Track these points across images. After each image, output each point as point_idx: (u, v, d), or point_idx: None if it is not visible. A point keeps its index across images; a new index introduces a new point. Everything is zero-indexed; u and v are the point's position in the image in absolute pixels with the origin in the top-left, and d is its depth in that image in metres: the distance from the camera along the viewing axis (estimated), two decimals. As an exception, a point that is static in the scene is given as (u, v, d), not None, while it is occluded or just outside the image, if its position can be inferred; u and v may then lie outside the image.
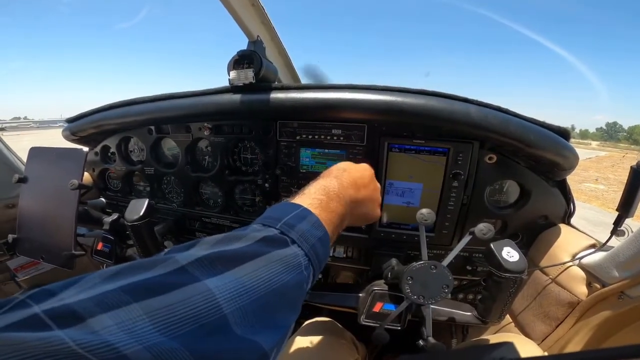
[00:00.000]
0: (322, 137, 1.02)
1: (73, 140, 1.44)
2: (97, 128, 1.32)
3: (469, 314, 0.82)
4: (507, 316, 1.02)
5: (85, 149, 1.18)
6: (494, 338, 0.96)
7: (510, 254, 0.69)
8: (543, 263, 0.90)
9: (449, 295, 0.70)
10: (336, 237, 0.57)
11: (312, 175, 1.05)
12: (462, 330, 1.33)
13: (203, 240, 0.41)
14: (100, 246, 1.22)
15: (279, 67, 1.42)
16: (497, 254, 0.70)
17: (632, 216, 0.74)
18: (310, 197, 0.56)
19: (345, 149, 1.02)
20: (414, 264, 0.70)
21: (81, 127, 1.34)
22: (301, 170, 1.09)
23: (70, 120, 1.39)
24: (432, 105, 0.83)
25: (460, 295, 1.09)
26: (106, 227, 1.20)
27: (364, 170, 0.70)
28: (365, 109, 0.89)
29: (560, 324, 0.84)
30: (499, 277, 0.69)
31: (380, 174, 0.98)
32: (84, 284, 0.30)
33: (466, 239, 0.69)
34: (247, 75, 0.96)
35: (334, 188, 0.60)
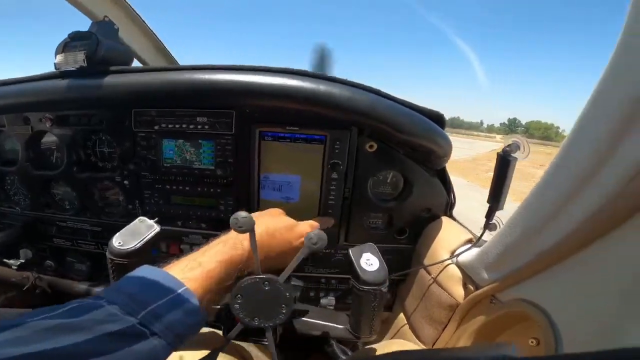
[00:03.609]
0: (185, 126, 0.84)
1: None
2: None
3: (341, 327, 0.68)
4: (403, 317, 0.93)
5: None
6: (383, 346, 0.86)
7: (369, 261, 0.56)
8: (426, 260, 0.80)
9: (287, 316, 0.54)
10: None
11: (177, 170, 0.88)
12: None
13: (27, 323, 0.32)
14: None
15: (148, 50, 1.29)
16: (354, 262, 0.57)
17: (502, 208, 0.65)
18: (205, 267, 0.49)
19: (213, 138, 0.85)
20: (245, 279, 0.52)
21: None
22: (165, 165, 0.89)
23: None
24: (292, 85, 0.70)
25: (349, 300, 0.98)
26: None
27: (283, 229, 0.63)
28: (219, 91, 0.75)
29: (445, 328, 0.74)
30: (358, 290, 0.56)
31: (252, 166, 0.84)
32: None
33: (302, 249, 0.54)
34: (77, 59, 0.81)
35: (239, 258, 0.53)
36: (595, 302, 0.39)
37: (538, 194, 0.46)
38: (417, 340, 0.84)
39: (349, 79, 0.70)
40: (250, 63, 1.02)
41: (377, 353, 0.79)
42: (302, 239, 0.60)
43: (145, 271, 0.45)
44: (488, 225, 0.66)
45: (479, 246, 0.65)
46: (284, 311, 0.53)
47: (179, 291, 0.43)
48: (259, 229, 0.58)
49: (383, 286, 0.56)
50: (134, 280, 0.44)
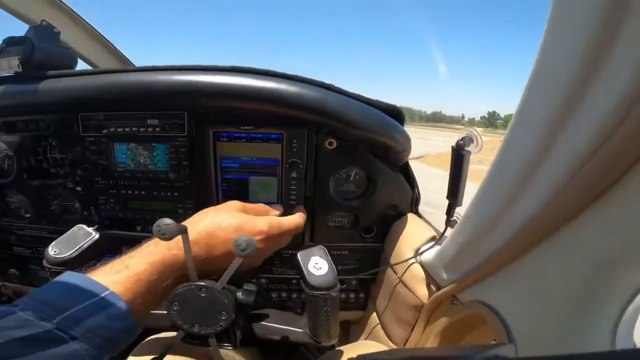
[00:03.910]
0: (136, 129, 0.80)
1: None
2: None
3: (300, 331, 0.65)
4: (376, 317, 0.91)
5: None
6: (353, 347, 0.83)
7: (318, 265, 0.53)
8: (392, 259, 0.76)
9: (228, 323, 0.51)
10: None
11: (131, 174, 0.83)
12: (343, 330, 1.20)
13: None
14: None
15: (97, 53, 1.27)
16: (302, 266, 0.53)
17: (461, 204, 0.62)
18: (133, 269, 0.47)
19: (167, 141, 0.80)
20: (180, 286, 0.49)
21: None
22: (118, 169, 0.84)
23: None
24: (238, 83, 0.66)
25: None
26: None
27: (221, 221, 0.57)
28: (163, 92, 0.71)
29: (413, 329, 0.71)
30: (308, 295, 0.54)
31: (209, 168, 0.80)
32: None
33: (236, 258, 0.51)
34: (11, 64, 0.78)
35: (173, 259, 0.50)
36: (545, 303, 0.37)
37: (485, 192, 0.43)
38: (389, 341, 0.81)
39: (300, 75, 0.66)
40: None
41: (348, 354, 0.76)
42: (259, 237, 0.58)
43: (66, 277, 0.44)
44: (449, 222, 0.63)
45: (441, 244, 0.62)
46: (223, 317, 0.50)
47: (102, 295, 0.42)
48: (196, 227, 0.54)
49: (333, 291, 0.52)
50: (52, 287, 0.43)
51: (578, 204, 0.30)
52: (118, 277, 0.45)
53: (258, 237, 0.58)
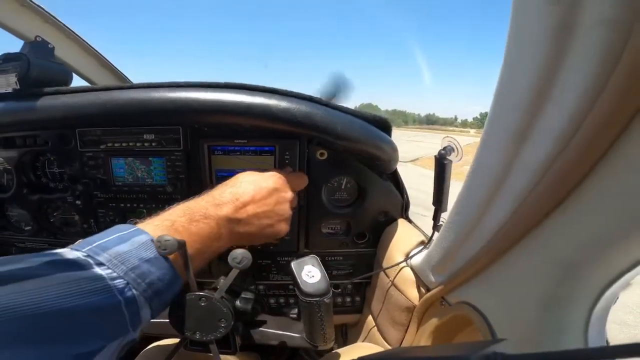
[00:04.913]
0: (132, 144, 0.81)
1: None
2: None
3: (297, 336, 0.66)
4: (372, 319, 0.92)
5: None
6: (350, 349, 0.84)
7: (311, 273, 0.56)
8: (384, 263, 0.78)
9: (227, 330, 0.53)
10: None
11: (129, 188, 0.84)
12: (341, 333, 1.21)
13: None
14: None
15: (93, 68, 1.27)
16: (296, 275, 0.56)
17: (446, 210, 0.65)
18: (161, 219, 0.50)
19: (163, 155, 0.82)
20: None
21: None
22: (116, 183, 0.85)
23: None
24: (229, 100, 0.67)
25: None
26: None
27: (261, 181, 0.62)
28: (156, 109, 0.71)
29: (407, 330, 0.73)
30: (302, 302, 0.56)
31: (205, 181, 0.81)
32: None
33: (233, 271, 0.53)
34: (9, 81, 0.78)
35: (201, 207, 0.55)
36: (522, 302, 0.39)
37: (463, 199, 0.45)
38: (385, 343, 0.83)
39: (290, 90, 0.68)
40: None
41: (345, 357, 0.77)
42: (275, 178, 0.64)
43: (110, 228, 0.48)
44: (436, 227, 0.65)
45: (428, 248, 0.64)
46: (223, 325, 0.53)
47: (128, 231, 0.45)
48: (223, 210, 0.57)
49: (326, 297, 0.55)
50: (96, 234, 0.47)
51: (543, 210, 0.32)
52: (152, 221, 0.50)
53: (274, 178, 0.64)
